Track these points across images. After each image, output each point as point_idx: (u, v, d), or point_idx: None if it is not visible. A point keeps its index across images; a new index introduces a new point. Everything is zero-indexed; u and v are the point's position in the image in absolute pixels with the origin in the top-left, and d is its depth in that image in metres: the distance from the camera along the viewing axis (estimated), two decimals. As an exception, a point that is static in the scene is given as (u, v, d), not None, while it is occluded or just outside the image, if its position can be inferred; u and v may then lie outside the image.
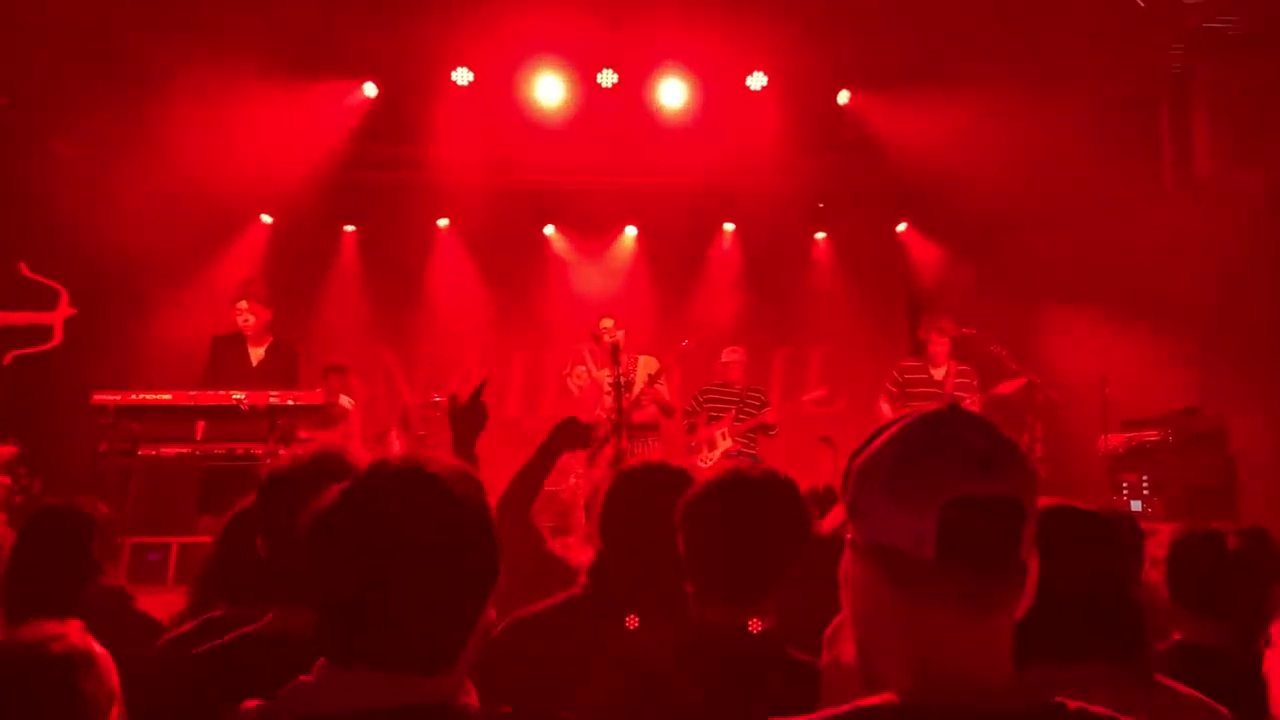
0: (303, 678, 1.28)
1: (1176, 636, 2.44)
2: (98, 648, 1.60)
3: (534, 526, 3.01)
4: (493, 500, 1.40)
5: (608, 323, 7.38)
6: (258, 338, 6.44)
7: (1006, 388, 7.24)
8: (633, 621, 1.94)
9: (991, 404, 7.17)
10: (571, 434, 3.11)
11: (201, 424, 6.06)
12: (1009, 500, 1.08)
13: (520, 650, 2.22)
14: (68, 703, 1.53)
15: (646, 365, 7.67)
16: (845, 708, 1.13)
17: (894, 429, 1.16)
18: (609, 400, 7.02)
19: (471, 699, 1.32)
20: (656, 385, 7.58)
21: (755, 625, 1.87)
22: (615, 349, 6.73)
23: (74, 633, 1.61)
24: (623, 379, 6.85)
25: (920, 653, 1.10)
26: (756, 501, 1.95)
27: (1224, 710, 1.77)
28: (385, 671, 1.25)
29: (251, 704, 1.33)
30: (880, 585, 1.12)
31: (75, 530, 2.92)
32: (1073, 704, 1.12)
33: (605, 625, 2.07)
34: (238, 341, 6.43)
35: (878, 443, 1.16)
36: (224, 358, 6.38)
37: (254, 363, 6.40)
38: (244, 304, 6.40)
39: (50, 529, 2.94)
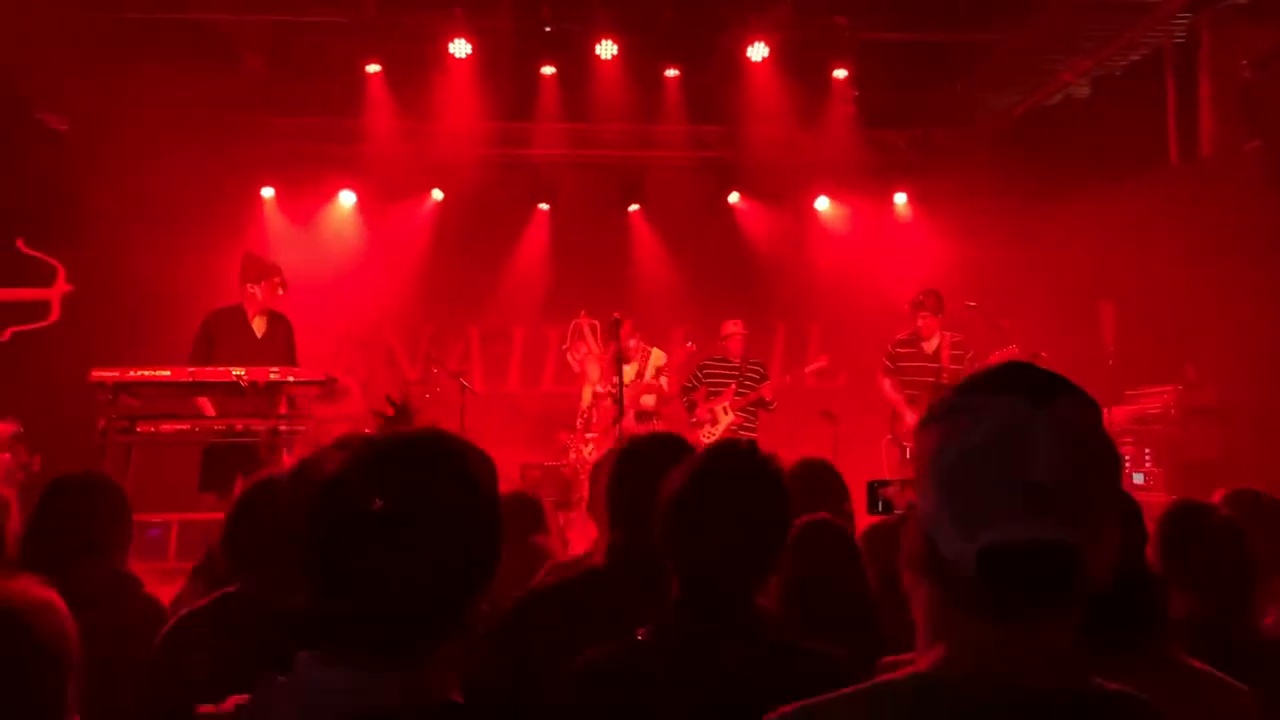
0: (280, 677, 1.24)
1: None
2: (59, 603, 1.53)
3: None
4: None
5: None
6: (262, 310, 6.40)
7: (1000, 358, 6.90)
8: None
9: None
10: None
11: (206, 401, 6.06)
12: (1057, 545, 1.00)
13: (538, 622, 2.20)
14: (20, 652, 1.44)
15: (656, 359, 7.91)
16: (868, 684, 1.11)
17: (965, 420, 1.05)
18: (609, 378, 7.23)
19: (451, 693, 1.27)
20: (659, 380, 7.85)
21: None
22: (619, 357, 7.25)
23: (33, 585, 1.52)
24: (635, 368, 7.42)
25: (954, 644, 1.07)
26: (739, 488, 1.86)
27: (1243, 688, 1.76)
28: (367, 665, 1.21)
29: (234, 701, 1.32)
30: (927, 568, 1.09)
31: (91, 505, 2.86)
32: (1110, 685, 1.08)
33: (625, 602, 2.04)
34: (238, 314, 6.38)
35: (950, 427, 1.07)
36: (225, 330, 6.32)
37: (258, 334, 6.37)
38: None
39: (67, 501, 2.87)
